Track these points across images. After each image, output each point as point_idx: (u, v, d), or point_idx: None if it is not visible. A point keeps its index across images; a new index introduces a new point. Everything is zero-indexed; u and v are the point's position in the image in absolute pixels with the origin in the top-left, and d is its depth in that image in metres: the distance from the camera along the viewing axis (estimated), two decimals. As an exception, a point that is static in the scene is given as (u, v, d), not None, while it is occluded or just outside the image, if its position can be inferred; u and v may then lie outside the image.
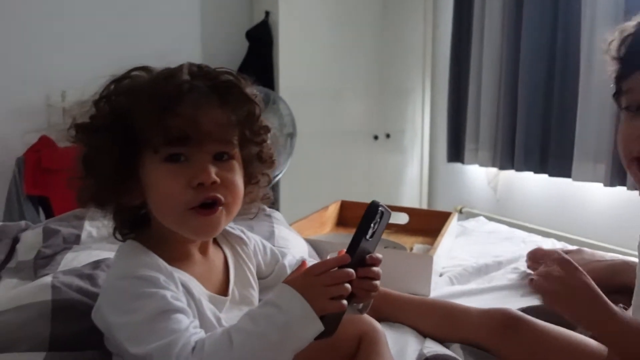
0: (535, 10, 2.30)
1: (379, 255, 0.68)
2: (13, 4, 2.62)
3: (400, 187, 3.28)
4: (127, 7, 2.86)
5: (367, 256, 0.67)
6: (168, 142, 0.65)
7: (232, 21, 3.10)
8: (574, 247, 1.37)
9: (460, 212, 2.78)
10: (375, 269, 0.68)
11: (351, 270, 0.63)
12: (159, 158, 0.66)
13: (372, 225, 0.66)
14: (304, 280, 0.63)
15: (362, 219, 0.66)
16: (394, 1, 3.07)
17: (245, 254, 0.80)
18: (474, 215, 2.35)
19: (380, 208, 0.66)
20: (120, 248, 0.69)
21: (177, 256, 0.69)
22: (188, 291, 0.66)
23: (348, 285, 0.63)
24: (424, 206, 3.28)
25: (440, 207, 3.16)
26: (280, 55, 2.81)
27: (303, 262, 0.72)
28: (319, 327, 0.61)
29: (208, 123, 0.66)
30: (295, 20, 2.84)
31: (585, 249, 1.30)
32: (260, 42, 2.90)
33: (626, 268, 1.12)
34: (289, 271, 0.83)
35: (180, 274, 0.67)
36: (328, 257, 1.13)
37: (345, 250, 0.66)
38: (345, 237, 1.54)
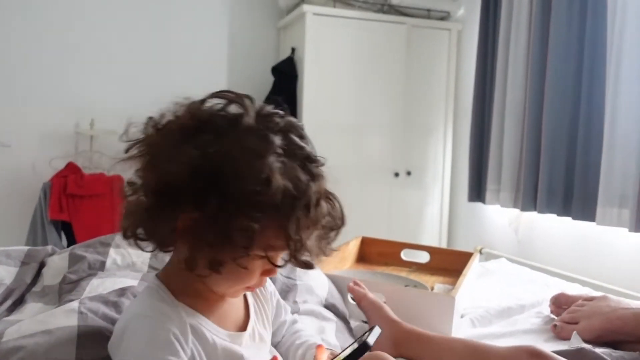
0: (560, 53, 2.31)
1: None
2: (47, 36, 2.73)
3: (420, 225, 3.26)
4: (156, 40, 2.96)
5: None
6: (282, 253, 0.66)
7: (259, 56, 3.18)
8: (600, 294, 1.34)
9: (480, 252, 2.74)
10: None
11: None
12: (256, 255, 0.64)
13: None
14: None
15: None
16: (418, 40, 3.12)
17: (263, 296, 0.81)
18: (494, 257, 2.32)
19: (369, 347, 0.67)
20: (145, 289, 0.70)
21: (199, 294, 0.69)
22: (201, 337, 0.66)
23: None
24: (444, 245, 3.25)
25: (459, 246, 3.13)
26: (305, 90, 2.86)
27: (319, 346, 0.77)
28: None
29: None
30: (320, 57, 2.90)
31: (611, 295, 1.27)
32: (286, 77, 2.96)
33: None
34: (284, 331, 0.87)
35: (197, 320, 0.67)
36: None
37: None
38: (364, 274, 1.53)
